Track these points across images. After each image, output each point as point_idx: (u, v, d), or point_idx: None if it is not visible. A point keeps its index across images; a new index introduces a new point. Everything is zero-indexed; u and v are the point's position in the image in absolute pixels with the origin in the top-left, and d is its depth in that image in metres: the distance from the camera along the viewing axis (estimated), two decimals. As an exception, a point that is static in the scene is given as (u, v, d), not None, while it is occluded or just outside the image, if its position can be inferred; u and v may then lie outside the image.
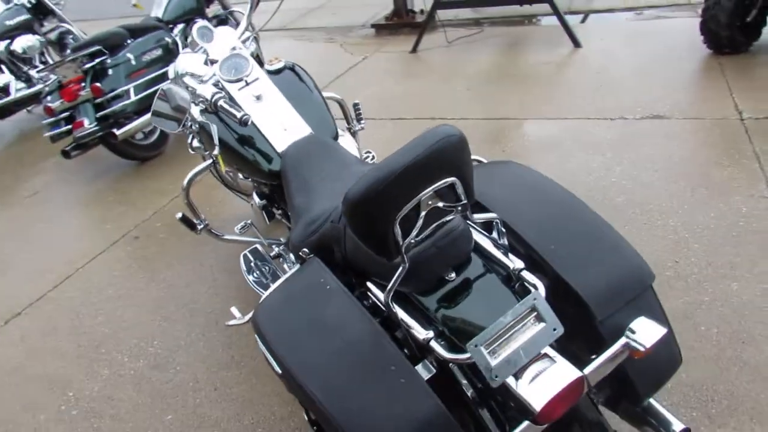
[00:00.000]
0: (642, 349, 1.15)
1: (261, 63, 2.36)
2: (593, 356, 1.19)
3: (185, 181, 2.18)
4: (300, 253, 1.51)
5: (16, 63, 4.77)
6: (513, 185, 1.50)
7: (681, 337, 1.81)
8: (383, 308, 1.29)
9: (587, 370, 1.13)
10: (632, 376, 1.26)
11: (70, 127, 3.65)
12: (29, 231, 3.44)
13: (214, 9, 5.02)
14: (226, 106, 1.79)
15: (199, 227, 2.19)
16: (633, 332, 1.17)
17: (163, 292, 2.65)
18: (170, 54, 4.12)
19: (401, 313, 1.26)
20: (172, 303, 2.57)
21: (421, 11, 6.59)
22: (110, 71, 3.61)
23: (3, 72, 4.74)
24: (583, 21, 6.03)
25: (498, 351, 1.11)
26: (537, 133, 3.61)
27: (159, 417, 2.02)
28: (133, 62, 3.71)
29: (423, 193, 1.10)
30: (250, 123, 1.82)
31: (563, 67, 4.65)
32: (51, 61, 4.73)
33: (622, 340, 1.17)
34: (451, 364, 1.28)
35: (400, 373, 1.15)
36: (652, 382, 1.28)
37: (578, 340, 1.34)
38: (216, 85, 2.00)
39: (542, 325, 1.13)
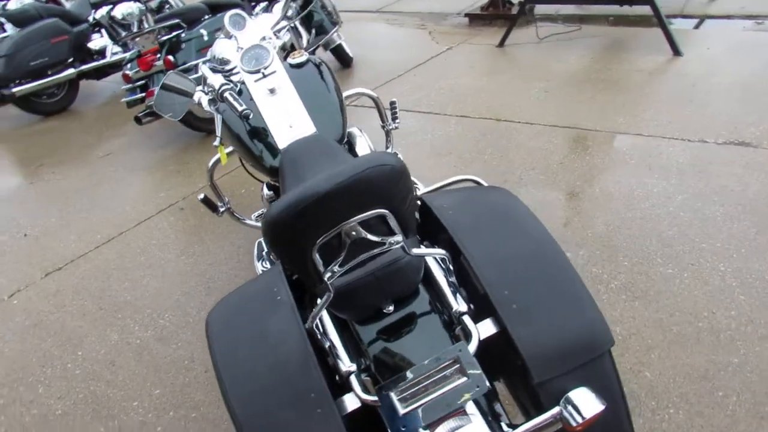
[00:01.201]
0: (574, 423, 1.03)
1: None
2: (521, 422, 1.08)
3: (210, 164, 2.21)
4: (271, 256, 1.49)
5: (116, 28, 5.05)
6: (490, 218, 1.38)
7: (694, 399, 1.63)
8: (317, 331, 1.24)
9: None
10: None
11: (144, 95, 3.84)
12: (93, 190, 3.67)
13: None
14: (230, 99, 1.79)
15: (221, 209, 2.22)
16: (569, 402, 1.05)
17: (188, 267, 2.74)
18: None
19: (334, 340, 1.21)
20: (194, 279, 2.64)
21: (520, 3, 6.31)
22: (183, 45, 3.74)
23: (102, 36, 5.05)
24: (697, 26, 5.52)
25: (411, 399, 1.03)
26: (604, 147, 3.35)
27: (149, 390, 2.08)
28: (206, 38, 3.82)
29: (345, 222, 1.03)
30: (257, 116, 1.81)
31: (656, 76, 4.29)
32: (300, 30, 4.89)
33: (555, 410, 1.06)
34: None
35: (318, 403, 1.10)
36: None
37: (522, 397, 1.23)
38: (233, 74, 2.00)
39: (464, 379, 1.04)
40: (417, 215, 1.56)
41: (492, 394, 1.17)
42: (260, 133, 1.90)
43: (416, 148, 3.63)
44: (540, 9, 6.27)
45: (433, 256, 1.22)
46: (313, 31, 4.97)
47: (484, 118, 3.91)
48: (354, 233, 1.05)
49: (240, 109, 1.74)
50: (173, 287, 2.61)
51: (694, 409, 1.76)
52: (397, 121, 2.48)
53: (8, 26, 4.81)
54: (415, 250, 1.13)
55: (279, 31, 2.27)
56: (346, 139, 2.12)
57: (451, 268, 1.24)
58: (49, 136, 4.72)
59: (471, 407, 1.06)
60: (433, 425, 1.02)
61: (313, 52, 4.81)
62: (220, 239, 2.92)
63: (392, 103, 2.49)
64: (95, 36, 5.13)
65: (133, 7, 5.24)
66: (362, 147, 2.12)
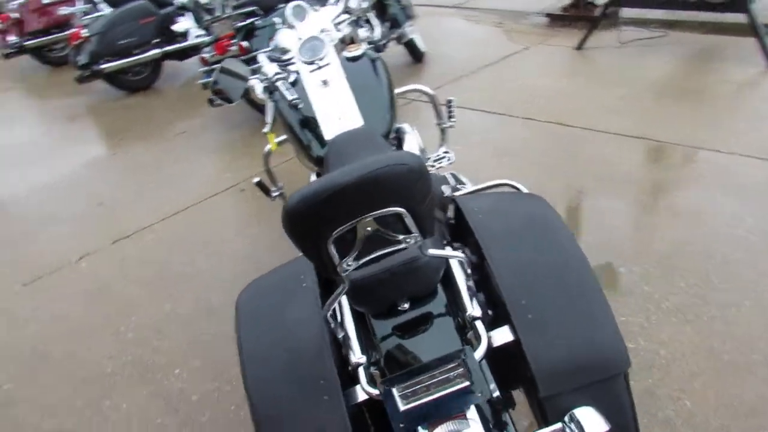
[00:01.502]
0: None
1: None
2: None
3: (265, 149, 2.28)
4: None
5: (200, 12, 5.23)
6: (521, 226, 1.35)
7: None
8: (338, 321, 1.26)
9: None
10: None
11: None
12: (166, 165, 3.86)
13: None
14: (282, 88, 1.84)
15: (274, 194, 2.29)
16: (573, 420, 1.03)
17: (243, 247, 2.84)
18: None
19: (349, 331, 1.23)
20: (247, 260, 2.74)
21: (604, 5, 6.09)
22: (257, 32, 3.85)
23: (186, 19, 5.26)
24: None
25: (412, 397, 1.04)
26: (676, 160, 3.20)
27: (190, 360, 2.18)
28: (278, 26, 3.91)
29: (361, 217, 1.04)
30: (308, 107, 1.86)
31: (744, 90, 4.04)
32: (374, 22, 5.01)
33: (558, 425, 1.04)
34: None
35: (327, 390, 1.13)
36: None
37: (533, 408, 1.21)
38: (290, 63, 2.05)
39: (467, 383, 1.04)
40: (452, 216, 1.55)
41: (499, 402, 1.15)
42: (310, 123, 1.94)
43: (478, 147, 3.59)
44: (626, 12, 6.01)
45: (454, 259, 1.21)
46: (387, 24, 5.00)
47: (551, 122, 3.81)
48: (369, 229, 1.06)
49: (290, 98, 1.79)
50: (227, 266, 2.71)
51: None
52: (452, 119, 2.46)
53: (103, 6, 5.10)
54: (432, 251, 1.13)
55: (339, 23, 2.29)
56: (394, 135, 2.13)
57: (469, 271, 1.23)
58: (132, 112, 4.98)
59: (472, 412, 1.06)
60: (432, 425, 1.03)
61: (385, 45, 4.84)
62: (275, 223, 2.99)
63: (449, 101, 2.48)
64: (180, 19, 5.35)
65: None
66: (411, 143, 2.11)
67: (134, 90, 5.36)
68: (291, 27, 2.23)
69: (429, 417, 1.02)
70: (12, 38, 6.06)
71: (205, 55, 3.95)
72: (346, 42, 2.26)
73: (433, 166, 2.35)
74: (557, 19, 6.27)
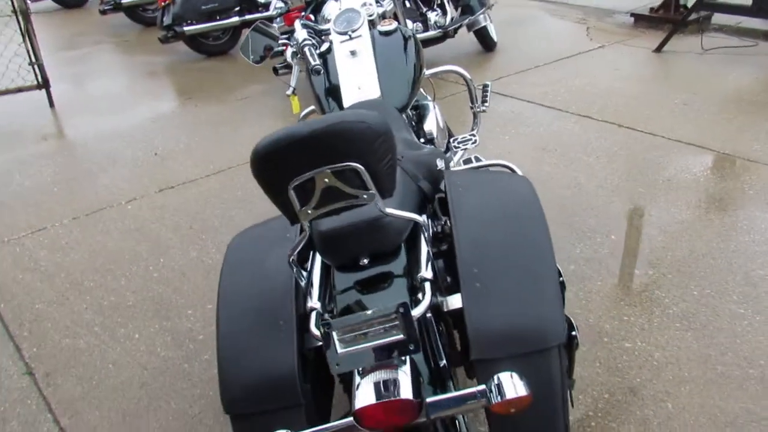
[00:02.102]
0: (493, 401, 1.04)
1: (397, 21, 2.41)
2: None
3: (301, 114, 2.40)
4: None
5: (418, 3, 4.91)
6: (495, 202, 1.38)
7: None
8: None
9: (429, 399, 1.07)
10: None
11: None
12: (221, 126, 4.06)
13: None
14: (306, 53, 1.93)
15: None
16: (494, 382, 1.06)
17: (275, 210, 2.96)
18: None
19: (313, 279, 1.31)
20: (275, 219, 2.87)
21: (690, 8, 5.80)
22: (325, 5, 3.95)
23: None
24: None
25: (351, 343, 1.11)
26: (724, 171, 3.06)
27: (204, 304, 2.34)
28: (334, -1, 4.02)
29: (320, 169, 1.11)
30: (335, 74, 1.94)
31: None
32: (447, 7, 4.87)
33: (480, 387, 1.08)
34: None
35: (283, 330, 1.23)
36: (515, 451, 1.14)
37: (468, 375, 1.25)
38: (326, 33, 2.14)
39: (400, 337, 1.09)
40: (443, 189, 1.59)
41: (440, 361, 1.20)
42: (333, 91, 2.03)
43: (524, 138, 3.56)
44: (719, 18, 5.71)
45: (413, 220, 1.26)
46: (459, 9, 4.99)
47: (607, 121, 3.72)
48: (327, 181, 1.12)
49: (312, 63, 1.87)
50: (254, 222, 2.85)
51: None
52: (486, 104, 2.48)
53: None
54: (389, 210, 1.19)
55: (381, 0, 2.34)
56: (413, 110, 2.18)
57: (428, 235, 1.27)
58: (205, 74, 5.24)
59: (406, 366, 1.11)
60: (365, 371, 1.09)
61: (455, 31, 4.84)
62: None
63: (485, 86, 2.50)
64: None
65: None
66: (430, 119, 2.16)
67: (211, 54, 5.63)
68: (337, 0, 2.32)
69: (363, 363, 1.08)
70: (110, -4, 6.50)
71: (276, 26, 4.10)
72: (387, 17, 2.31)
73: (457, 147, 2.39)
74: (643, 20, 6.03)
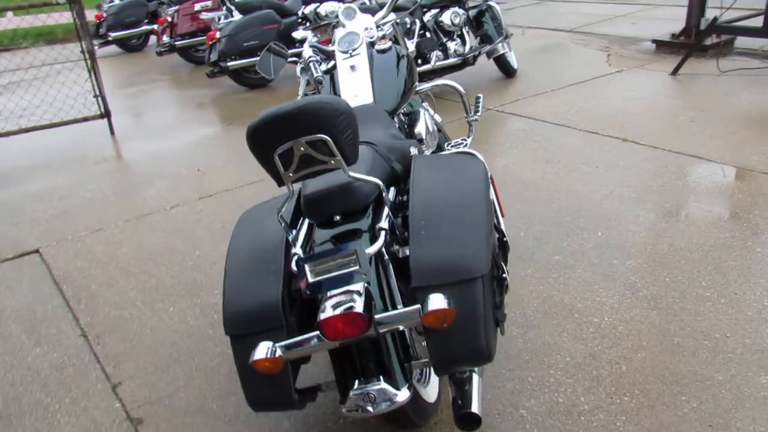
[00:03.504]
0: (422, 313, 1.34)
1: (397, 44, 2.77)
2: None
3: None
4: None
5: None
6: (448, 174, 1.70)
7: (654, 395, 1.85)
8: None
9: (377, 316, 1.38)
10: (430, 347, 1.42)
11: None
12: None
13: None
14: (311, 67, 2.31)
15: None
16: (425, 302, 1.36)
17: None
18: (407, 33, 4.75)
19: (299, 233, 1.64)
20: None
21: (703, 32, 5.99)
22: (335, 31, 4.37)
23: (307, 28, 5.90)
24: None
25: (319, 274, 1.44)
26: (716, 178, 3.26)
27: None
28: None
29: (297, 140, 1.46)
30: (336, 85, 2.31)
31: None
32: (467, 37, 5.18)
33: (415, 306, 1.38)
34: None
35: (273, 273, 1.56)
36: (445, 359, 1.42)
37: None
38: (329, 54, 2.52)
39: (356, 268, 1.41)
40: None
41: (392, 295, 1.50)
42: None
43: (531, 152, 3.84)
44: (742, 42, 5.89)
45: (374, 183, 1.57)
46: (478, 38, 5.35)
47: (612, 136, 3.96)
48: (302, 149, 1.47)
49: (315, 75, 2.25)
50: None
51: (648, 403, 1.85)
52: (478, 114, 2.80)
53: (236, 13, 5.94)
54: (353, 173, 1.52)
55: (383, 24, 2.71)
56: (404, 115, 2.52)
57: (389, 199, 1.59)
58: (246, 104, 5.75)
59: (362, 291, 1.41)
60: (330, 295, 1.41)
61: (474, 59, 5.19)
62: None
63: (477, 98, 2.83)
64: (301, 27, 6.06)
65: (335, 6, 6.07)
66: (420, 123, 2.49)
67: (253, 87, 6.15)
68: (343, 25, 2.70)
69: (327, 288, 1.40)
70: (165, 39, 7.18)
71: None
72: (390, 39, 2.66)
73: (449, 150, 2.71)
74: (665, 46, 6.26)
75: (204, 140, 4.76)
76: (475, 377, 1.57)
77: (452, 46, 5.10)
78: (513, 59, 5.63)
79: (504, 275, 1.59)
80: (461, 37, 5.23)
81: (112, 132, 5.02)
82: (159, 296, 2.62)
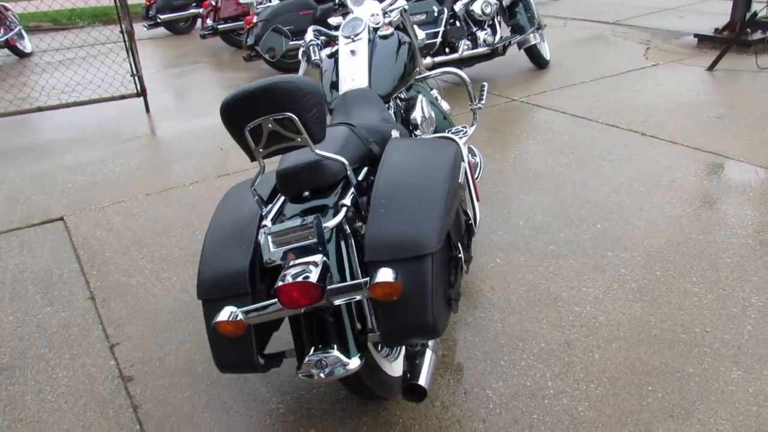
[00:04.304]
0: (369, 285, 1.41)
1: (405, 31, 2.82)
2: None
3: None
4: None
5: (469, 22, 5.11)
6: (418, 157, 1.75)
7: (620, 384, 1.92)
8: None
9: (329, 286, 1.47)
10: (379, 319, 1.49)
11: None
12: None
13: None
14: (310, 51, 2.39)
15: None
16: (373, 275, 1.43)
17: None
18: (434, 21, 4.78)
19: (272, 208, 1.73)
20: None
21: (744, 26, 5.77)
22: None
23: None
24: None
25: (281, 245, 1.52)
26: (732, 176, 3.20)
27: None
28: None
29: (265, 117, 1.54)
30: (336, 69, 2.39)
31: None
32: (498, 27, 5.13)
33: (364, 279, 1.45)
34: None
35: (245, 244, 1.66)
36: (392, 331, 1.48)
37: None
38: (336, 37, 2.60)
39: (314, 240, 1.50)
40: None
41: (351, 268, 1.58)
42: (334, 82, 2.47)
43: (546, 143, 3.83)
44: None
45: (340, 161, 1.64)
46: (510, 28, 5.32)
47: (632, 130, 3.91)
48: (270, 126, 1.55)
49: (314, 58, 2.33)
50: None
51: (613, 391, 1.87)
52: (482, 102, 2.82)
53: (273, -1, 6.08)
54: (318, 151, 1.59)
55: (390, 11, 2.76)
56: (402, 101, 2.58)
57: (352, 176, 1.66)
58: (279, 88, 5.88)
59: (319, 263, 1.49)
60: (291, 266, 1.49)
61: (504, 49, 5.17)
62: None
63: (482, 86, 2.85)
64: (336, 13, 6.15)
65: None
66: (417, 110, 2.54)
67: (287, 70, 6.26)
68: (351, 11, 2.77)
69: (285, 258, 1.49)
70: (209, 22, 7.38)
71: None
72: (395, 26, 2.71)
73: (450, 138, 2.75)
74: (707, 41, 6.08)
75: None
76: (428, 352, 1.63)
77: (482, 35, 5.09)
78: (546, 50, 5.57)
79: (459, 256, 1.64)
80: (492, 26, 5.21)
81: (147, 110, 5.23)
82: (166, 266, 2.77)
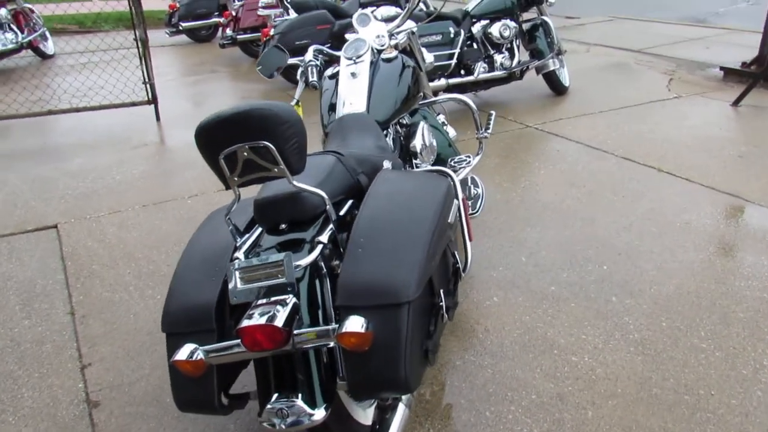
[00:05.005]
0: (336, 333, 1.30)
1: (412, 54, 2.73)
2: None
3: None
4: None
5: (486, 44, 4.98)
6: (405, 192, 1.64)
7: None
8: None
9: (296, 330, 1.36)
10: (347, 370, 1.37)
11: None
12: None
13: (527, 14, 5.30)
14: (308, 72, 2.30)
15: None
16: (343, 322, 1.32)
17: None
18: (450, 43, 4.68)
19: (247, 239, 1.63)
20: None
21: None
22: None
23: None
24: None
25: (248, 282, 1.42)
26: (750, 220, 3.03)
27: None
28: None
29: (240, 144, 1.45)
30: (336, 91, 2.30)
31: None
32: (516, 51, 4.99)
33: (333, 325, 1.34)
34: None
35: (216, 276, 1.56)
36: (360, 384, 1.36)
37: None
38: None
39: (283, 279, 1.39)
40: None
41: (325, 310, 1.47)
42: (331, 105, 2.37)
43: (558, 174, 3.70)
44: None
45: (319, 195, 1.54)
46: (529, 52, 5.21)
47: (648, 165, 3.76)
48: (246, 154, 1.45)
49: (310, 80, 2.24)
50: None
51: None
52: (489, 130, 2.71)
53: (291, 12, 6.03)
54: (296, 183, 1.49)
55: (397, 33, 2.66)
56: (402, 127, 2.47)
57: (331, 211, 1.55)
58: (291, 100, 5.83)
59: (288, 305, 1.38)
60: (257, 306, 1.38)
61: (521, 73, 5.05)
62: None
63: (489, 114, 2.75)
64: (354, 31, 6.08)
65: (391, 11, 6.01)
66: (417, 137, 2.43)
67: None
68: (355, 31, 2.68)
69: (253, 297, 1.38)
70: (228, 32, 7.38)
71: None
72: (399, 47, 2.62)
73: (453, 167, 2.65)
74: (733, 74, 5.90)
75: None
76: (401, 407, 1.51)
77: (499, 58, 4.98)
78: (565, 76, 5.45)
79: (441, 304, 1.52)
80: (510, 50, 5.10)
81: (158, 118, 5.20)
82: (152, 282, 2.68)
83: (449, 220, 1.67)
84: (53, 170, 4.11)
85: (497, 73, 4.95)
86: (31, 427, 1.92)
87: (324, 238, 1.51)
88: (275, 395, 1.42)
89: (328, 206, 1.55)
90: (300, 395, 1.40)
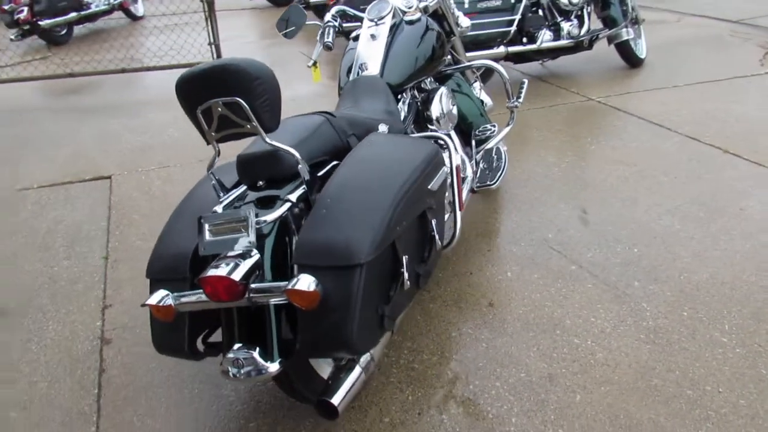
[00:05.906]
0: (286, 289, 1.32)
1: (444, 17, 2.64)
2: None
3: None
4: None
5: (553, 11, 4.71)
6: (384, 155, 1.63)
7: None
8: None
9: (252, 285, 1.39)
10: (299, 327, 1.39)
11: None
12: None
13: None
14: (325, 33, 2.30)
15: None
16: (294, 279, 1.34)
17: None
18: (511, 9, 4.48)
19: (228, 195, 1.67)
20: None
21: None
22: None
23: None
24: None
25: (216, 235, 1.46)
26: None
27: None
28: (466, 5, 4.26)
29: (213, 100, 1.47)
30: (354, 53, 2.29)
31: None
32: (586, 18, 4.73)
33: (284, 282, 1.36)
34: None
35: (195, 228, 1.62)
36: (309, 342, 1.38)
37: None
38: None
39: (244, 234, 1.42)
40: None
41: (286, 265, 1.49)
42: (349, 66, 2.35)
43: (609, 150, 3.50)
44: None
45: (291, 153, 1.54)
46: (600, 20, 4.91)
47: (714, 146, 3.48)
48: (220, 110, 1.48)
49: (325, 41, 2.23)
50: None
51: None
52: (520, 99, 2.61)
53: None
54: (269, 140, 1.50)
55: (424, -3, 2.57)
56: (420, 92, 2.41)
57: (304, 170, 1.56)
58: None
59: (250, 259, 1.41)
60: (222, 257, 1.42)
61: (590, 43, 4.78)
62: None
63: (521, 83, 2.64)
64: None
65: None
66: (435, 104, 2.36)
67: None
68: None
69: (220, 250, 1.43)
70: (304, -5, 7.46)
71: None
72: (429, 11, 2.54)
73: (478, 135, 2.57)
74: (843, 50, 5.31)
75: (299, 97, 4.93)
76: (357, 369, 1.52)
77: (566, 26, 4.72)
78: (641, 47, 5.10)
79: (402, 270, 1.50)
80: (580, 17, 4.82)
81: (224, 79, 5.36)
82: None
83: (430, 186, 1.63)
84: (119, 125, 4.36)
85: (562, 42, 4.69)
86: (49, 356, 2.09)
87: (293, 197, 1.52)
88: (237, 345, 1.47)
89: (300, 165, 1.55)
90: (258, 348, 1.44)
